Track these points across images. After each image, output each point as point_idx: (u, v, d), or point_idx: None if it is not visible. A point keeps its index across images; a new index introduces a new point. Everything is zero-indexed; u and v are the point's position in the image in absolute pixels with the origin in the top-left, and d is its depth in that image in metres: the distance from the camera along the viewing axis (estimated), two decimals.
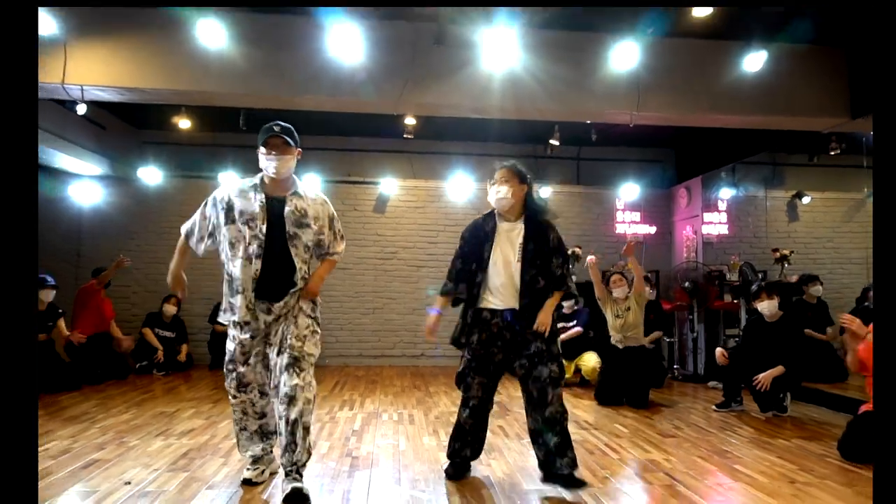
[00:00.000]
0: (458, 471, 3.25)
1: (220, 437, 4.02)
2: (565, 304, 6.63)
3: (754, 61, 4.85)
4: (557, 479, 3.06)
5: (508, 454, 3.70)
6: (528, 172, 3.14)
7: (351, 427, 4.42)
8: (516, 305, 3.03)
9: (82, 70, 4.61)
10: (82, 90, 4.68)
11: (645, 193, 8.41)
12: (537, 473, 3.32)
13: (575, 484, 3.02)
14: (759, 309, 5.16)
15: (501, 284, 3.04)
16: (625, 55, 4.72)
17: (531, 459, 3.65)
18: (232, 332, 2.91)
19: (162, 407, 5.00)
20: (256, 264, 2.76)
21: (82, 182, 7.76)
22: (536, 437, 3.11)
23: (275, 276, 2.80)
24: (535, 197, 3.18)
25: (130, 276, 7.41)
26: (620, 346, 5.57)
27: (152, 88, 4.72)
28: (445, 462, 3.32)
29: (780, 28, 4.74)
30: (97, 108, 6.88)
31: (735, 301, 7.11)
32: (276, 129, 2.75)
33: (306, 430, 2.76)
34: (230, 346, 2.91)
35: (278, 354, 2.82)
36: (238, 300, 2.80)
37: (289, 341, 2.80)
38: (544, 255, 3.08)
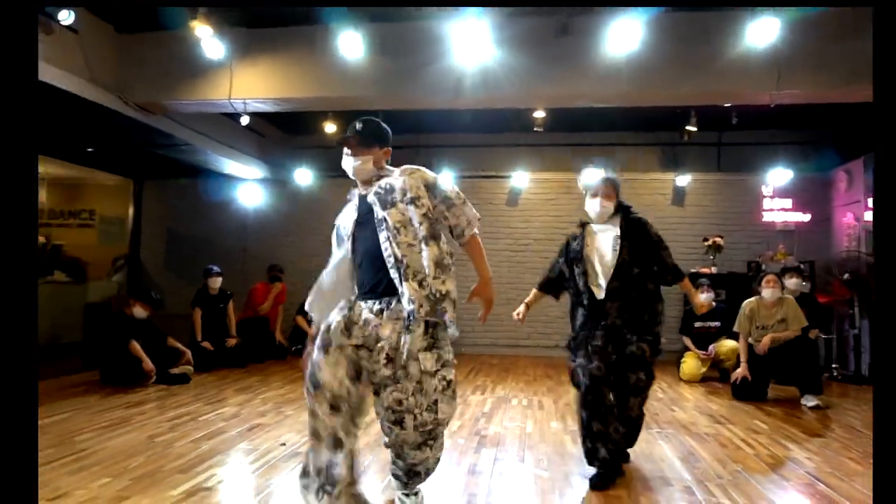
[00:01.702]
0: (603, 478, 2.95)
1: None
2: (703, 298, 6.33)
3: None
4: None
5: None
6: (617, 183, 3.29)
7: (481, 410, 4.63)
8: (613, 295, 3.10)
9: (245, 86, 5.24)
10: (245, 104, 5.34)
11: (797, 178, 7.75)
12: (661, 460, 3.31)
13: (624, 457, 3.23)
14: None
15: (598, 278, 3.16)
16: (762, 30, 4.44)
17: (657, 448, 3.63)
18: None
19: None
20: (351, 265, 2.44)
21: (246, 185, 8.72)
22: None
23: (374, 276, 2.35)
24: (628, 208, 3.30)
25: (286, 269, 8.20)
26: (762, 353, 5.21)
27: (301, 97, 5.25)
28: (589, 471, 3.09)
29: None
30: (257, 118, 7.71)
31: None
32: (357, 126, 2.48)
33: (427, 475, 2.49)
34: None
35: (394, 423, 2.26)
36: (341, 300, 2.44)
37: (419, 417, 2.24)
38: (647, 250, 3.17)
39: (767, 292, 5.28)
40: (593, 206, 3.23)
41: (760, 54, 4.56)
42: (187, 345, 5.99)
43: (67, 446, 3.38)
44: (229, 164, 7.78)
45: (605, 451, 2.95)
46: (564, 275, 3.37)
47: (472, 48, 4.75)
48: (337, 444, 2.21)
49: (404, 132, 8.05)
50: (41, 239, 8.35)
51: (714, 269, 7.42)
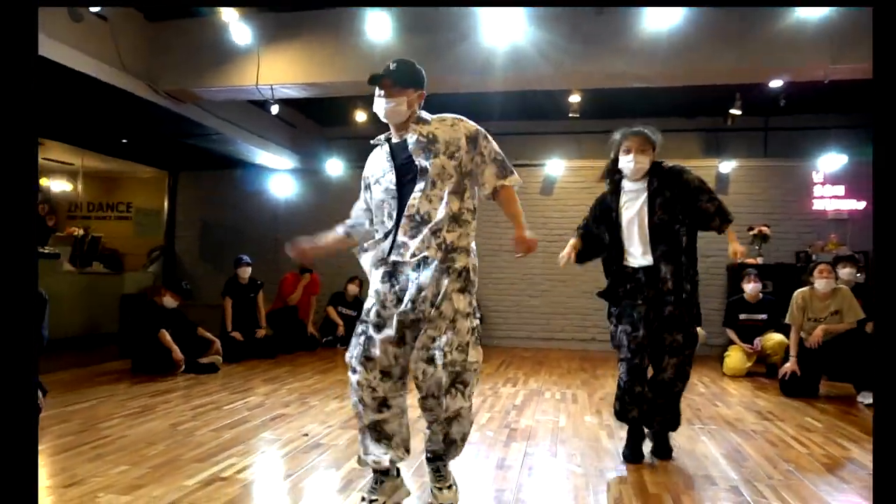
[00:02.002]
0: (633, 447, 3.07)
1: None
2: (748, 290, 6.03)
3: None
4: (656, 439, 3.16)
5: (676, 437, 3.47)
6: (655, 135, 3.13)
7: (512, 402, 4.46)
8: (650, 261, 3.04)
9: (272, 71, 5.17)
10: (272, 89, 5.26)
11: (851, 164, 7.32)
12: (704, 457, 3.09)
13: (662, 450, 3.13)
14: None
15: (633, 245, 3.10)
16: None
17: (699, 444, 3.40)
18: (372, 287, 2.40)
19: (341, 375, 5.46)
20: (389, 223, 2.36)
21: (278, 176, 8.71)
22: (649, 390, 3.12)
23: (416, 225, 2.30)
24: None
25: (319, 262, 8.14)
26: (814, 346, 4.89)
27: (329, 82, 5.15)
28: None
29: None
30: (288, 107, 7.66)
31: None
32: (391, 66, 2.37)
33: (463, 441, 2.40)
34: (367, 304, 2.39)
35: (426, 360, 2.24)
36: (379, 248, 2.40)
37: (449, 356, 2.21)
38: (686, 199, 3.04)
39: (821, 283, 4.96)
40: (626, 163, 3.08)
41: (813, 24, 4.24)
42: (218, 335, 5.98)
43: (90, 433, 3.34)
44: (261, 155, 7.76)
45: (638, 412, 3.07)
46: (599, 237, 3.25)
47: (502, 26, 4.56)
48: (383, 404, 2.33)
49: None
50: (79, 231, 8.49)
51: (760, 260, 7.07)
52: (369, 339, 2.31)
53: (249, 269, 6.61)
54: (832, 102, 6.93)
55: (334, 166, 8.38)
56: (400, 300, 2.30)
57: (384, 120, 2.39)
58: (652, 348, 3.06)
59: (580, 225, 3.36)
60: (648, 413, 3.10)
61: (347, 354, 2.38)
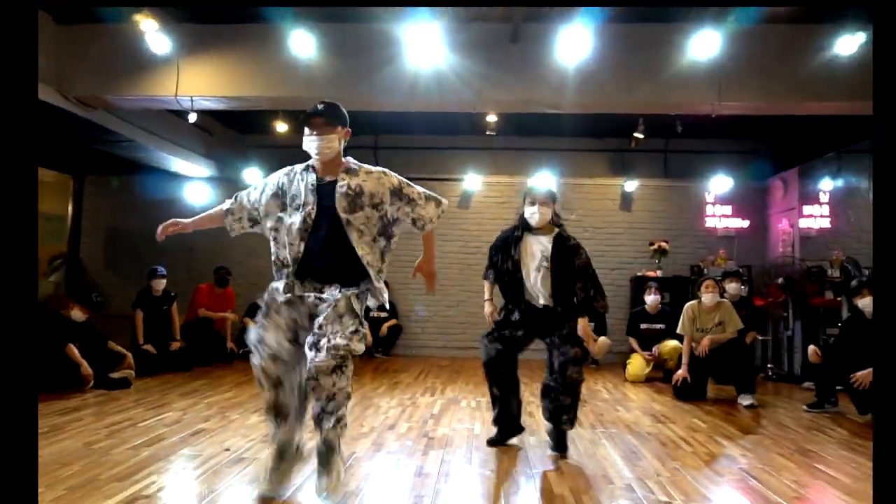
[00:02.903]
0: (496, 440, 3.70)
1: (308, 417, 4.36)
2: (649, 302, 6.55)
3: (849, 44, 4.60)
4: (556, 432, 3.57)
5: (580, 442, 3.77)
6: (556, 198, 3.66)
7: (430, 411, 4.65)
8: (549, 303, 3.56)
9: (192, 83, 5.12)
10: (192, 101, 5.21)
11: (737, 186, 8.08)
12: (603, 459, 3.41)
13: (561, 445, 3.55)
14: (861, 306, 4.89)
15: (531, 287, 3.58)
16: (704, 44, 4.62)
17: (600, 447, 3.72)
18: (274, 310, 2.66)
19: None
20: (300, 247, 2.59)
21: (193, 184, 8.51)
22: (549, 393, 3.56)
23: (327, 262, 2.59)
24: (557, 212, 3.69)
25: (234, 271, 8.02)
26: (702, 355, 5.40)
27: (251, 96, 5.17)
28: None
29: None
30: (205, 115, 7.52)
31: (837, 298, 6.71)
32: (319, 107, 2.55)
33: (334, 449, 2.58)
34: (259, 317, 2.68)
35: (314, 349, 2.49)
36: (282, 282, 2.67)
37: (332, 341, 2.45)
38: (571, 277, 3.55)
39: (707, 297, 5.48)
40: (531, 213, 3.58)
41: (703, 66, 4.75)
42: (129, 348, 5.81)
43: None
44: (175, 162, 7.58)
45: (503, 414, 3.70)
46: (499, 260, 3.73)
47: (425, 51, 4.78)
48: (278, 384, 2.64)
49: (357, 133, 7.98)
50: None
51: (659, 273, 7.66)
52: (260, 325, 2.64)
53: (164, 282, 6.46)
54: (722, 130, 7.61)
55: (253, 175, 8.28)
56: (291, 304, 2.62)
57: (315, 156, 2.58)
58: (556, 355, 3.54)
59: (486, 269, 3.88)
60: (557, 411, 3.54)
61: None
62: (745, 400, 5.15)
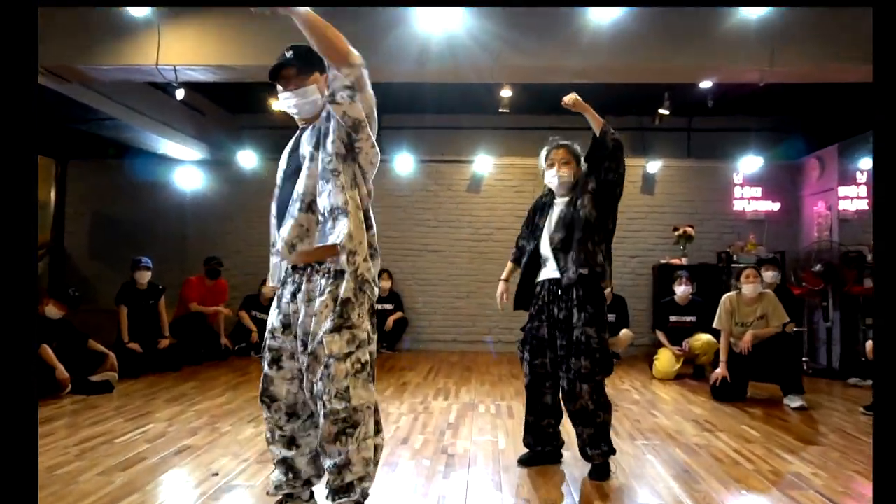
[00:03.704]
0: (529, 459, 3.18)
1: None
2: (679, 292, 6.02)
3: None
4: (593, 468, 3.01)
5: (622, 458, 3.27)
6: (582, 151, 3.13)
7: (446, 420, 4.15)
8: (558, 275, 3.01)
9: (175, 50, 4.56)
10: (175, 70, 4.65)
11: (768, 166, 7.53)
12: (654, 481, 2.90)
13: (601, 475, 2.96)
14: None
15: (543, 259, 3.11)
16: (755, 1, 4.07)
17: (647, 464, 3.22)
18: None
19: (257, 390, 4.94)
20: (273, 209, 2.23)
21: (185, 167, 7.97)
22: (573, 423, 3.06)
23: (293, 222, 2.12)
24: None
25: (229, 260, 7.50)
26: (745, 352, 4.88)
27: (241, 65, 4.61)
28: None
29: None
30: (195, 93, 6.97)
31: None
32: (287, 54, 2.13)
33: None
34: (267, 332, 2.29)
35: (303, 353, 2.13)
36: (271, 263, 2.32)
37: (329, 406, 2.05)
38: (593, 192, 3.00)
39: (748, 288, 4.97)
40: (551, 178, 3.11)
41: (754, 26, 4.17)
42: (113, 346, 5.30)
43: None
44: (164, 144, 7.03)
45: (534, 441, 3.16)
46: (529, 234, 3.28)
47: (438, 13, 4.20)
48: (292, 443, 2.26)
49: None
50: None
51: (685, 260, 7.13)
52: (266, 377, 2.27)
53: (149, 274, 5.92)
54: (750, 105, 7.07)
55: (247, 158, 7.75)
56: (285, 326, 2.20)
57: (295, 116, 2.14)
58: (563, 373, 3.03)
59: (514, 252, 3.39)
60: (582, 446, 3.04)
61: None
62: (793, 402, 4.65)
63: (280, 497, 2.30)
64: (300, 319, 2.12)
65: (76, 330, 5.06)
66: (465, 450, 3.45)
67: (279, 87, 2.16)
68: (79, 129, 6.43)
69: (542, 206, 3.22)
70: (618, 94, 6.56)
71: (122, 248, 7.82)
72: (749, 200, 7.65)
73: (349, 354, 2.06)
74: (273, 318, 2.22)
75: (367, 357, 2.12)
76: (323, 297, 2.06)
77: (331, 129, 2.07)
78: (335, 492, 2.14)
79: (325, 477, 2.21)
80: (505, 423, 4.07)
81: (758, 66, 4.26)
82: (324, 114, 2.12)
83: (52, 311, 4.87)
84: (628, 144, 7.76)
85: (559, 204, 3.10)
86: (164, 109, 6.63)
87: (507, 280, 3.38)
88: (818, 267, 6.37)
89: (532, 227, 3.23)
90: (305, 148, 2.12)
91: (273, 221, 2.23)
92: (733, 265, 6.77)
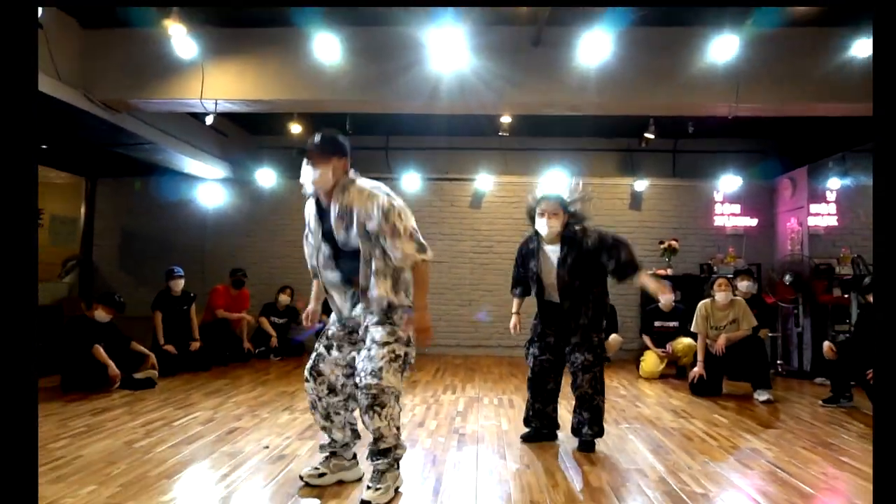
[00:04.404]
0: (531, 436, 3.81)
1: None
2: (663, 301, 6.62)
3: (865, 47, 4.68)
4: (581, 443, 3.64)
5: (608, 437, 3.85)
6: (569, 198, 3.65)
7: (455, 409, 4.73)
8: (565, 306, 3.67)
9: (216, 86, 5.18)
10: (216, 104, 5.27)
11: (746, 185, 8.17)
12: (633, 453, 3.50)
13: (588, 449, 3.59)
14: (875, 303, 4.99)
15: (549, 293, 3.71)
16: (723, 47, 4.70)
17: (628, 441, 3.81)
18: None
19: (283, 387, 5.53)
20: (324, 275, 2.83)
21: (207, 185, 8.56)
22: (574, 407, 3.71)
23: (344, 286, 2.81)
24: (574, 213, 3.67)
25: (250, 272, 8.08)
26: (719, 353, 5.50)
27: (273, 99, 5.23)
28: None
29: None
30: (220, 117, 7.57)
31: (846, 295, 6.82)
32: (314, 141, 2.71)
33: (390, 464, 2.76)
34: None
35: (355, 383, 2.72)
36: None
37: (364, 380, 2.62)
38: (586, 260, 3.57)
39: (720, 295, 5.57)
40: (541, 225, 3.63)
41: (721, 69, 4.83)
42: (149, 348, 5.87)
43: (42, 454, 3.29)
44: (190, 164, 7.63)
45: (539, 423, 3.79)
46: (526, 273, 3.84)
47: (448, 55, 4.84)
48: (327, 417, 2.86)
49: (370, 133, 8.08)
50: None
51: (670, 271, 7.75)
52: (318, 355, 2.85)
53: (182, 282, 6.52)
54: (730, 130, 7.70)
55: (266, 176, 8.35)
56: (348, 330, 2.85)
57: (311, 187, 2.70)
58: (570, 366, 3.67)
59: (512, 285, 4.02)
60: (579, 425, 3.67)
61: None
62: (761, 395, 5.25)
63: (327, 454, 2.92)
64: (357, 321, 2.78)
65: (121, 333, 5.63)
66: (474, 431, 4.03)
67: (304, 162, 2.70)
68: (109, 150, 6.99)
69: (529, 253, 3.76)
70: (607, 120, 7.20)
71: (148, 260, 8.41)
72: (729, 216, 8.29)
73: (387, 343, 2.66)
74: (334, 319, 2.89)
75: (403, 352, 2.72)
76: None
77: (369, 231, 2.66)
78: (374, 454, 2.74)
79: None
80: (507, 412, 4.65)
81: (725, 102, 4.92)
82: (346, 197, 2.69)
83: (101, 314, 5.44)
84: (618, 165, 8.48)
85: (551, 252, 3.65)
86: (192, 132, 7.24)
87: (518, 313, 3.99)
88: (789, 278, 6.99)
89: (525, 269, 3.80)
90: (338, 227, 2.67)
91: (318, 266, 2.85)
92: (714, 276, 7.38)
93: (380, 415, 2.63)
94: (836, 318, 6.92)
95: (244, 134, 8.61)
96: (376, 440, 2.69)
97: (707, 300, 5.70)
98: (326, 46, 4.85)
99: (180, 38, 4.75)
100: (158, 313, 6.36)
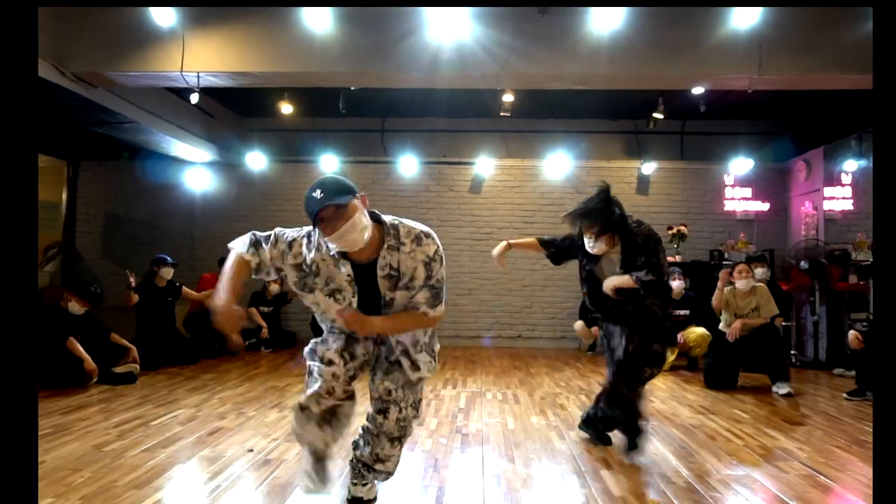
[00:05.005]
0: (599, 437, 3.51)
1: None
2: (674, 287, 6.31)
3: None
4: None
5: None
6: (615, 217, 3.08)
7: (456, 405, 4.41)
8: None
9: (199, 58, 4.80)
10: (198, 77, 4.89)
11: (757, 168, 7.84)
12: (654, 455, 3.18)
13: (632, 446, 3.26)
14: None
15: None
16: (745, 15, 4.35)
17: (648, 441, 3.50)
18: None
19: (273, 381, 5.20)
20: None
21: (194, 169, 8.19)
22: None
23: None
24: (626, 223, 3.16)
25: None
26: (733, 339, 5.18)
27: (260, 72, 4.85)
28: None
29: None
30: (206, 97, 7.19)
31: (863, 282, 6.51)
32: (318, 195, 2.05)
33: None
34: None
35: (379, 412, 2.39)
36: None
37: (404, 412, 2.37)
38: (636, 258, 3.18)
39: (741, 283, 5.27)
40: (591, 247, 3.18)
41: (743, 37, 4.47)
42: (133, 340, 5.53)
43: None
44: (176, 146, 7.25)
45: (603, 428, 3.45)
46: (574, 255, 3.43)
47: (448, 22, 4.47)
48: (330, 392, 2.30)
49: (365, 115, 7.70)
50: None
51: (679, 258, 7.42)
52: (327, 341, 2.39)
53: (172, 271, 6.17)
54: (740, 110, 7.37)
55: (255, 160, 7.98)
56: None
57: (353, 250, 2.14)
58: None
59: (546, 238, 3.56)
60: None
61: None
62: (781, 388, 4.94)
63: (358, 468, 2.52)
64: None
65: (100, 324, 5.29)
66: (478, 430, 3.71)
67: (321, 231, 2.12)
68: (91, 131, 6.62)
69: (588, 255, 3.27)
70: (614, 99, 6.85)
71: (133, 247, 8.05)
72: (740, 201, 7.96)
73: (421, 379, 2.43)
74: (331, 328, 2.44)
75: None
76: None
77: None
78: (367, 468, 2.47)
79: (359, 454, 2.48)
80: (512, 408, 4.33)
81: (746, 73, 4.55)
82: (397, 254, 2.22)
83: (75, 306, 5.09)
84: (624, 147, 8.12)
85: (608, 262, 3.24)
86: (177, 112, 6.86)
87: (513, 246, 3.52)
88: (802, 264, 6.67)
89: (571, 255, 3.43)
90: (386, 285, 2.24)
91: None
92: (725, 262, 7.07)
93: (401, 444, 2.47)
94: (852, 307, 6.61)
95: (232, 115, 8.22)
96: (385, 461, 2.46)
97: (728, 288, 5.39)
98: (316, 14, 4.48)
99: (158, 5, 4.36)
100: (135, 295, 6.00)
